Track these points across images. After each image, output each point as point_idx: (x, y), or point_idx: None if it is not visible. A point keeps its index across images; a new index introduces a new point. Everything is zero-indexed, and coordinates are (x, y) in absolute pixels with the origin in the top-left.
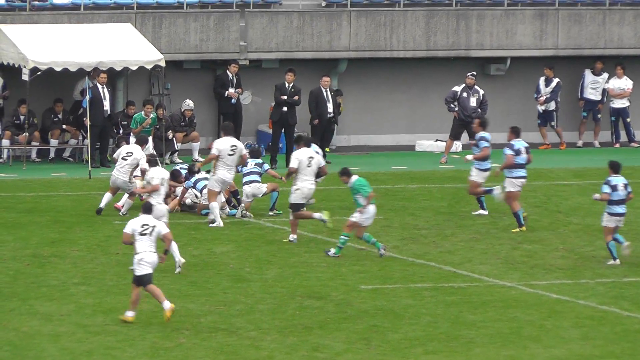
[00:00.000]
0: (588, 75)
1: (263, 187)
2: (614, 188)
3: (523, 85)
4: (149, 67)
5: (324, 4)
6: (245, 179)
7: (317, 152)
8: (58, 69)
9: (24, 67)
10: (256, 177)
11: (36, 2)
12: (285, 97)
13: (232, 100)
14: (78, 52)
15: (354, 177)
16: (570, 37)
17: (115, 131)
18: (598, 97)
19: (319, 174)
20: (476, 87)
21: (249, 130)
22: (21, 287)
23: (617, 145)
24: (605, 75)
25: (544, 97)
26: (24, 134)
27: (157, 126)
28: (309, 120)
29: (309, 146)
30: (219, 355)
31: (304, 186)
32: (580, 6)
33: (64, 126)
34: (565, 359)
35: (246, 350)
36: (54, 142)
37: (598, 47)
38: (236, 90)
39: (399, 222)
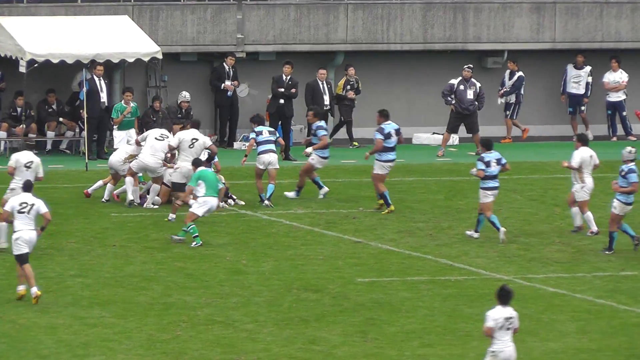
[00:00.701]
0: (570, 69)
1: (275, 158)
2: (487, 164)
3: (523, 80)
4: (145, 59)
5: None
6: (260, 148)
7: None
8: (55, 61)
9: (21, 59)
10: (272, 147)
11: None
12: (283, 90)
13: (229, 93)
14: (75, 44)
15: (199, 169)
16: (568, 31)
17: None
18: (581, 91)
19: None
20: (473, 80)
21: (246, 122)
22: (18, 279)
23: (614, 138)
24: (588, 68)
25: (503, 90)
26: (21, 125)
27: (139, 116)
28: (306, 112)
29: (197, 128)
30: (215, 347)
31: (183, 165)
32: None
33: (60, 119)
34: (561, 353)
35: (243, 343)
36: (50, 134)
37: (595, 41)
38: (232, 82)
39: (395, 215)
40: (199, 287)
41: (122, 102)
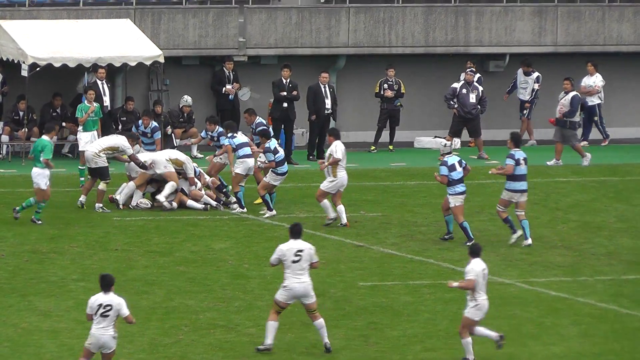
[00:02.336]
0: (520, 75)
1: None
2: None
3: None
4: (147, 63)
5: (322, 0)
6: (242, 152)
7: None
8: (57, 64)
9: (23, 62)
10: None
11: None
12: (285, 93)
13: (230, 97)
14: (77, 47)
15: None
16: (569, 34)
17: (115, 127)
18: (526, 97)
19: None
20: (475, 83)
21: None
22: (20, 283)
23: (585, 143)
24: (535, 75)
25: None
26: (23, 129)
27: (102, 117)
28: (307, 116)
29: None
30: (217, 351)
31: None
32: (580, 3)
33: (63, 124)
34: (564, 357)
35: (245, 347)
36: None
37: (597, 44)
38: (233, 85)
39: (397, 218)
40: (201, 291)
41: (85, 101)
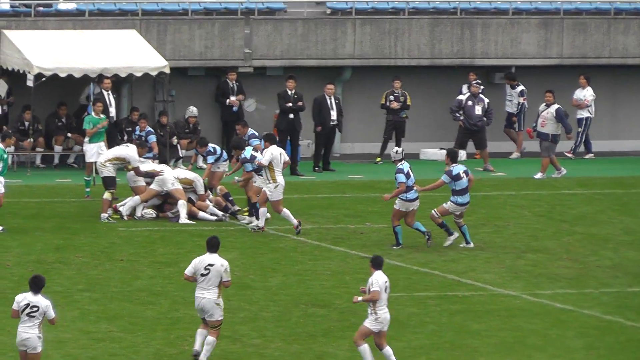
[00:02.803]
0: (507, 88)
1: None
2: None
3: (527, 94)
4: (153, 73)
5: (328, 11)
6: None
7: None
8: (63, 75)
9: (29, 72)
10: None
11: (41, 8)
12: (291, 105)
13: (234, 108)
14: (83, 58)
15: None
16: (575, 46)
17: (120, 138)
18: (513, 109)
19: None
20: (481, 95)
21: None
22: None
23: (590, 155)
24: (519, 89)
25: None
26: (29, 139)
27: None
28: (313, 127)
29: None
30: None
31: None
32: (585, 15)
33: (68, 134)
34: None
35: (250, 358)
36: (58, 148)
37: (603, 57)
38: (237, 97)
39: (403, 230)
40: None
41: (93, 113)
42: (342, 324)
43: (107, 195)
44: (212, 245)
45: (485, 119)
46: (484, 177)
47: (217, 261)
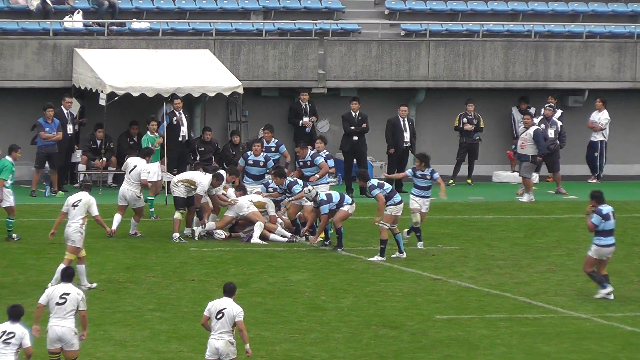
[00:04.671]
0: (516, 113)
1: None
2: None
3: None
4: (226, 93)
5: (402, 33)
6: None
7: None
8: (135, 94)
9: (102, 91)
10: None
11: (114, 27)
12: (354, 127)
13: (307, 129)
14: (156, 77)
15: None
16: None
17: (192, 157)
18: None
19: None
20: (554, 119)
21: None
22: (96, 313)
23: (595, 180)
24: (532, 110)
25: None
26: (101, 159)
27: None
28: (386, 149)
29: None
30: None
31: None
32: None
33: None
34: None
35: None
36: None
37: None
38: (310, 118)
39: (475, 252)
40: (278, 322)
41: (148, 132)
42: (413, 346)
43: (177, 215)
44: (67, 276)
45: (558, 142)
46: (557, 199)
47: (73, 290)
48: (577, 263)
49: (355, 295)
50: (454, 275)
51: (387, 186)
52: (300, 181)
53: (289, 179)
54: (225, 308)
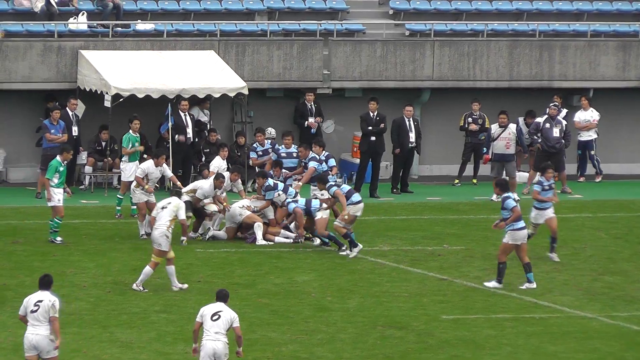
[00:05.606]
0: (523, 126)
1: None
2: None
3: (605, 116)
4: (231, 94)
5: (407, 33)
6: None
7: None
8: (140, 95)
9: (106, 93)
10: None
11: (119, 29)
12: (371, 128)
13: (312, 130)
14: (161, 79)
15: None
16: None
17: (198, 158)
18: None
19: None
20: (559, 118)
21: None
22: (102, 315)
23: (582, 179)
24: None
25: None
26: (106, 159)
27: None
28: (392, 149)
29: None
30: None
31: None
32: None
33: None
34: None
35: None
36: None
37: None
38: (315, 119)
39: (480, 252)
40: (284, 323)
41: (130, 131)
42: (419, 346)
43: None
44: (45, 283)
45: (563, 141)
46: (562, 199)
47: (46, 297)
48: (582, 262)
49: (361, 295)
50: (460, 276)
51: (345, 186)
52: (280, 185)
53: (270, 182)
54: (221, 311)
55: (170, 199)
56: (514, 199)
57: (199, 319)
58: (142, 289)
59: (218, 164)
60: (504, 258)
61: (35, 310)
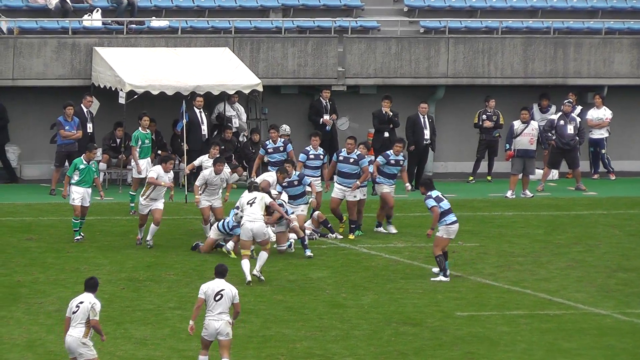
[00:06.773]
0: (536, 112)
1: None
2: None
3: (620, 113)
4: (246, 91)
5: (422, 30)
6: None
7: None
8: (155, 92)
9: (121, 90)
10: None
11: (133, 26)
12: (384, 124)
13: (327, 127)
14: (175, 76)
15: None
16: None
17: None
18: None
19: None
20: (573, 115)
21: None
22: (116, 311)
23: (596, 176)
24: (553, 108)
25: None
26: (121, 156)
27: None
28: (406, 146)
29: None
30: None
31: None
32: None
33: (159, 151)
34: None
35: None
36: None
37: None
38: (330, 117)
39: (495, 249)
40: (298, 320)
41: (140, 128)
42: (433, 343)
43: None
44: (88, 286)
45: (577, 138)
46: (576, 196)
47: (86, 299)
48: (597, 259)
49: (375, 292)
50: (474, 272)
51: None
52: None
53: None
54: (223, 289)
55: (255, 194)
56: (434, 198)
57: (201, 296)
58: (259, 275)
59: (203, 159)
60: (439, 251)
61: (76, 312)
